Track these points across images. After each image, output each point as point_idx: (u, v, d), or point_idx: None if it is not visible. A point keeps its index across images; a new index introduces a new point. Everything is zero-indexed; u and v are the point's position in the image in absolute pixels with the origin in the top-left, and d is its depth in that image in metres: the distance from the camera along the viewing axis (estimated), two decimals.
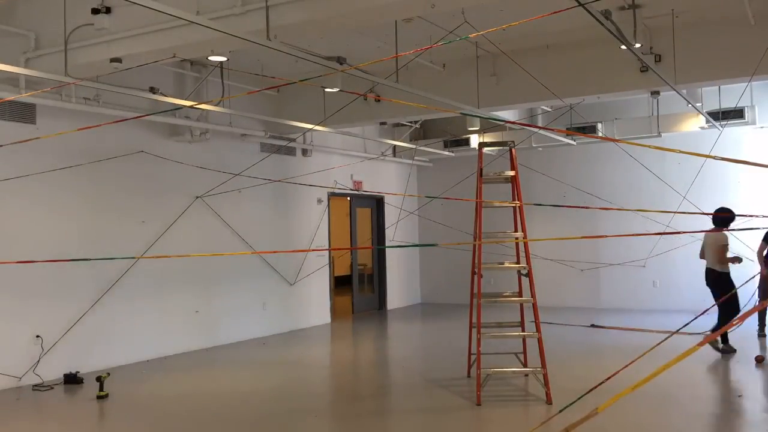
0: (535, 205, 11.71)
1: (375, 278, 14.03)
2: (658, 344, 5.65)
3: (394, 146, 13.51)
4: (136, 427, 5.92)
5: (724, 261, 8.21)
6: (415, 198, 14.34)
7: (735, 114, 10.73)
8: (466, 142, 13.13)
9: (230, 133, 9.97)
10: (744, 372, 7.44)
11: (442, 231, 13.88)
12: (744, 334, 9.37)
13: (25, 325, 7.48)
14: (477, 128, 12.83)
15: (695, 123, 11.28)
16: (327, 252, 12.22)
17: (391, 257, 14.16)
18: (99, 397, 6.74)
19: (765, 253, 9.07)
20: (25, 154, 7.27)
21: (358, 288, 13.65)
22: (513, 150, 7.05)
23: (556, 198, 12.69)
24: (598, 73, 8.63)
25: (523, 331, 7.15)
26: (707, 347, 8.19)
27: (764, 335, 9.44)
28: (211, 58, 6.75)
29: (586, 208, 6.56)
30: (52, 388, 7.30)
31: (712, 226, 8.57)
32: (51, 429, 6.09)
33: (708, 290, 8.51)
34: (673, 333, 5.88)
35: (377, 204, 13.91)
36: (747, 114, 10.80)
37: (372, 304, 13.89)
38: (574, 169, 13.45)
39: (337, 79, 8.30)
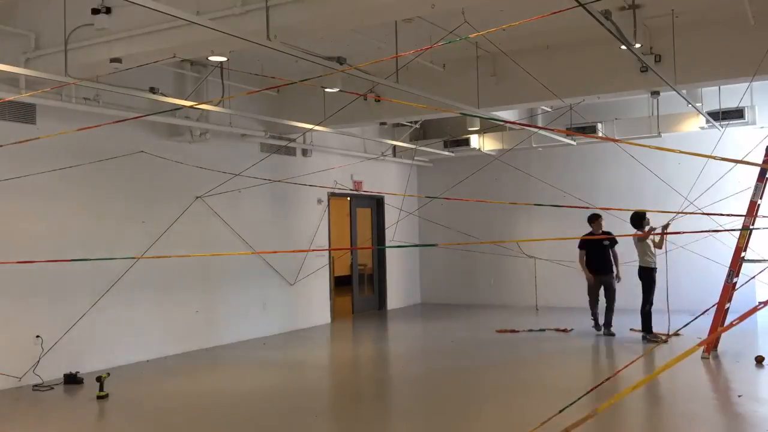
0: (535, 205, 11.69)
1: (375, 278, 14.02)
2: (658, 344, 5.65)
3: (394, 146, 13.50)
4: (136, 427, 5.93)
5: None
6: (415, 198, 14.33)
7: (735, 114, 10.71)
8: (466, 142, 13.13)
9: (230, 133, 9.96)
10: (744, 372, 7.43)
11: (442, 231, 13.87)
12: (743, 333, 9.37)
13: (25, 325, 7.48)
14: (477, 128, 12.83)
15: (695, 123, 11.26)
16: (327, 252, 12.21)
17: (391, 257, 14.15)
18: (99, 397, 6.74)
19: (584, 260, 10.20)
20: (25, 154, 7.27)
21: (358, 288, 13.64)
22: None
23: (557, 198, 12.67)
24: (598, 73, 8.62)
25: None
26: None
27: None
28: (211, 58, 6.75)
29: (586, 208, 6.57)
30: (52, 388, 7.30)
31: (717, 226, 8.59)
32: (51, 429, 6.08)
33: (707, 290, 8.52)
34: (673, 333, 5.88)
35: (377, 204, 13.91)
36: (747, 114, 10.79)
37: (372, 304, 13.88)
38: (574, 169, 13.45)
39: (337, 79, 8.30)
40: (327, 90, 9.41)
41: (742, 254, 8.05)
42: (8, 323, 7.34)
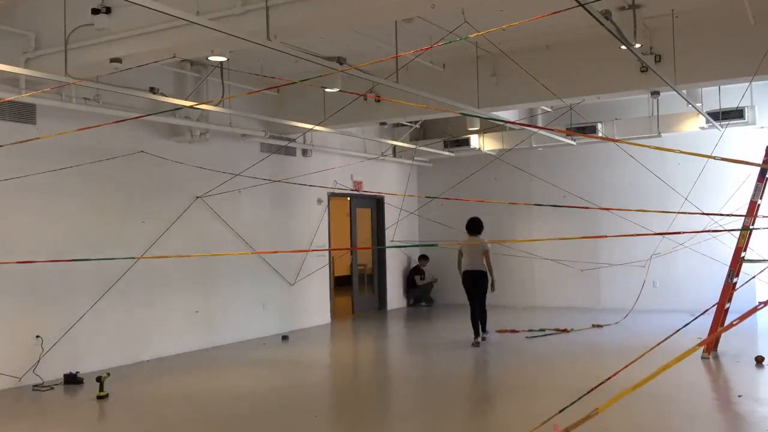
0: (535, 205, 11.70)
1: (375, 278, 14.02)
2: (658, 344, 5.66)
3: (394, 146, 13.50)
4: (136, 427, 5.93)
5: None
6: (415, 198, 14.33)
7: (735, 114, 10.71)
8: (466, 142, 13.13)
9: (230, 133, 9.96)
10: (744, 372, 7.43)
11: (442, 231, 13.87)
12: (743, 333, 9.37)
13: (25, 325, 7.47)
14: (477, 128, 12.83)
15: (695, 123, 11.26)
16: (327, 252, 12.21)
17: (391, 257, 14.15)
18: (99, 397, 6.74)
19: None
20: (25, 154, 7.26)
21: (358, 288, 13.65)
22: None
23: (557, 198, 12.68)
24: (598, 73, 8.62)
25: None
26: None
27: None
28: (211, 58, 6.74)
29: (586, 208, 6.57)
30: (52, 388, 7.30)
31: (717, 226, 8.57)
32: (51, 429, 6.08)
33: (707, 290, 8.51)
34: (673, 334, 5.89)
35: (377, 204, 13.91)
36: (747, 114, 10.79)
37: (372, 304, 13.88)
38: (574, 169, 13.45)
39: (337, 79, 8.29)
40: (327, 90, 9.40)
41: (742, 254, 8.05)
42: (8, 323, 7.33)
